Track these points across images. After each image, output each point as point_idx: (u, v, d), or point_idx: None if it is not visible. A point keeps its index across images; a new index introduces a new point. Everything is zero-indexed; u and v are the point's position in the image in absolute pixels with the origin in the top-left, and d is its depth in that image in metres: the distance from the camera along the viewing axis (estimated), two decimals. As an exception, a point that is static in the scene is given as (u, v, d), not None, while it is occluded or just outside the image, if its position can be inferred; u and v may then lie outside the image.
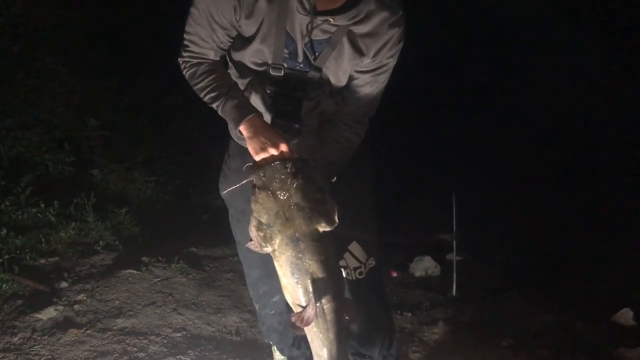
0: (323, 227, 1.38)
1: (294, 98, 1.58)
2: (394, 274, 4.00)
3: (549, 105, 6.42)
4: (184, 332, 2.62)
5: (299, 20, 1.47)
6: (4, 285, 2.71)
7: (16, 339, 2.38)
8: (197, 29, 1.54)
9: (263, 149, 1.46)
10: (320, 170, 1.57)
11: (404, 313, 3.15)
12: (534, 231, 4.58)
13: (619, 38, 6.32)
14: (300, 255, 1.35)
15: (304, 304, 1.34)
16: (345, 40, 1.51)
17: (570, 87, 6.29)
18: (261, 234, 1.37)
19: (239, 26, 1.52)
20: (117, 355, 2.34)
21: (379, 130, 1.91)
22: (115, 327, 2.55)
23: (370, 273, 1.82)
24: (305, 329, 1.37)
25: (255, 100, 1.63)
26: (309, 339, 1.42)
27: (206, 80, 1.59)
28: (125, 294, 2.85)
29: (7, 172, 3.82)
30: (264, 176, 1.41)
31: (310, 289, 1.33)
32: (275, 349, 2.21)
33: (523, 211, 5.01)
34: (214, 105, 1.59)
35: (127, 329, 2.55)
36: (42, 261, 3.10)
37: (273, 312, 1.98)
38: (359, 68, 1.59)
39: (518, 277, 3.77)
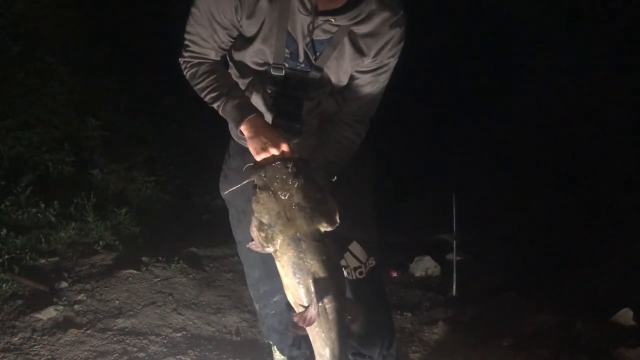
0: (324, 227, 1.38)
1: (295, 98, 1.58)
2: (394, 274, 4.00)
3: (549, 105, 6.42)
4: (184, 332, 2.62)
5: (300, 20, 1.47)
6: (4, 285, 2.71)
7: (16, 339, 2.38)
8: (198, 29, 1.54)
9: (264, 149, 1.46)
10: (321, 170, 1.57)
11: (404, 313, 3.15)
12: (534, 231, 4.58)
13: (619, 38, 6.31)
14: (302, 255, 1.35)
15: (306, 304, 1.35)
16: (346, 40, 1.52)
17: (570, 87, 6.29)
18: (262, 234, 1.38)
19: (240, 26, 1.52)
20: (117, 355, 2.34)
21: (379, 130, 1.91)
22: (115, 327, 2.55)
23: (371, 273, 1.82)
24: (307, 328, 1.37)
25: (256, 100, 1.63)
26: (311, 339, 1.42)
27: (207, 80, 1.59)
28: (125, 294, 2.85)
29: (7, 172, 3.81)
30: (265, 176, 1.41)
31: (312, 288, 1.33)
32: (275, 349, 2.21)
33: (523, 211, 5.00)
34: (215, 106, 1.59)
35: (127, 329, 2.55)
36: (42, 261, 3.10)
37: (273, 312, 1.99)
38: (360, 68, 1.59)
39: (518, 277, 3.76)
